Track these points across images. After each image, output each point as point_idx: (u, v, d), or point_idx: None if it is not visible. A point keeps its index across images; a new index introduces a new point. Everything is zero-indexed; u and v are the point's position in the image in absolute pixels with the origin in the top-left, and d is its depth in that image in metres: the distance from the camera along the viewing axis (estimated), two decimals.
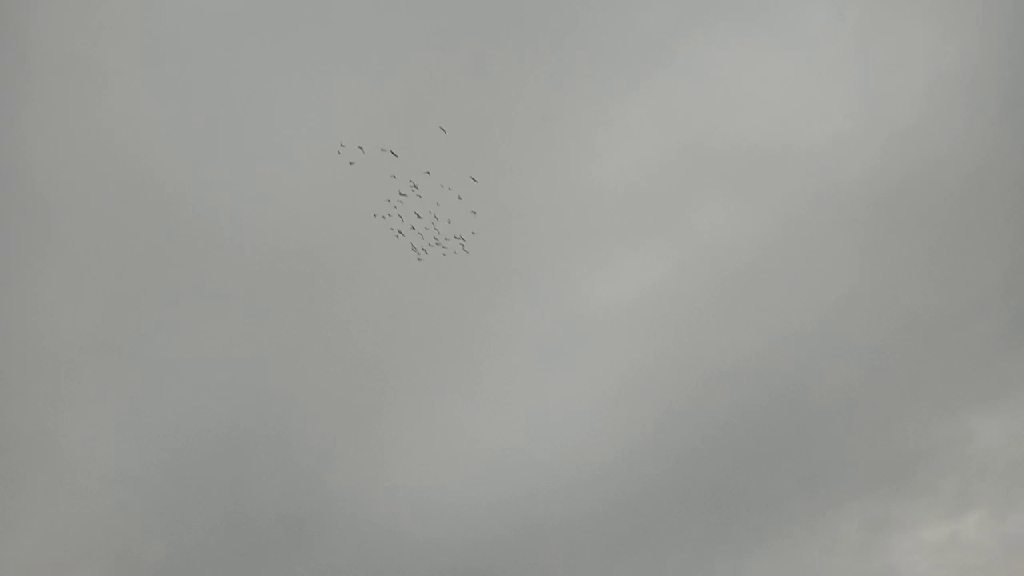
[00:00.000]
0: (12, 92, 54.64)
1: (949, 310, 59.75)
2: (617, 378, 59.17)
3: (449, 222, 48.99)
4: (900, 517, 57.66)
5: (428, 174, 47.62)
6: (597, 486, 57.80)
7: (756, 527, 56.51)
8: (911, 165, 61.10)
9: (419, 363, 57.96)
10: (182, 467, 53.92)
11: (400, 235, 47.41)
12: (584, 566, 56.64)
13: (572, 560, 56.64)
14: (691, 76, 61.65)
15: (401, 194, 46.81)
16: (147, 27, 56.14)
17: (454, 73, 58.74)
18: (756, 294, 60.27)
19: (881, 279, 59.67)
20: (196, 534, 53.18)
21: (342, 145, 47.19)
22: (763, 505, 56.74)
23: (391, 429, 56.99)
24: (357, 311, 57.18)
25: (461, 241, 49.40)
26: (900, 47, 60.39)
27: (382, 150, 46.77)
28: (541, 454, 58.58)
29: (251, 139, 56.65)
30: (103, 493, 52.50)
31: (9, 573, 49.90)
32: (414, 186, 47.12)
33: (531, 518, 57.66)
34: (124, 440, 53.63)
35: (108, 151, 54.07)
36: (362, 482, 56.18)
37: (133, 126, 55.39)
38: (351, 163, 47.38)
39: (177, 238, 55.35)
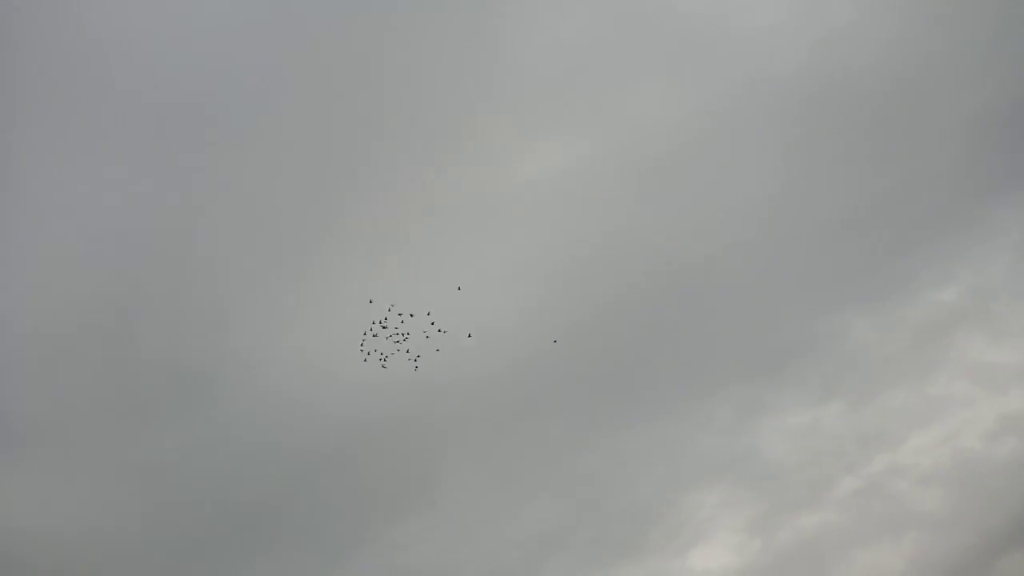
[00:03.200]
0: None
1: (850, 216, 62.18)
2: (530, 248, 60.06)
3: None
4: (770, 403, 61.93)
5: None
6: (491, 350, 59.99)
7: (637, 404, 60.37)
8: (841, 66, 61.29)
9: (338, 226, 57.44)
10: (62, 313, 51.51)
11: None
12: (473, 430, 59.77)
13: (461, 425, 59.53)
14: None
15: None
16: None
17: None
18: (674, 179, 61.04)
19: (796, 178, 61.10)
20: (78, 384, 51.75)
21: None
22: (646, 384, 60.38)
23: (297, 288, 57.01)
24: (273, 167, 55.60)
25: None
26: None
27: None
28: (443, 319, 60.02)
29: None
30: None
31: None
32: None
33: (423, 382, 59.83)
34: None
35: None
36: (261, 341, 55.98)
37: None
38: None
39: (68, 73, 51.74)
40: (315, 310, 56.65)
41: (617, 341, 59.99)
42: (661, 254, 59.84)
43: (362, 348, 49.70)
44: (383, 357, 50.20)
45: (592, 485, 60.03)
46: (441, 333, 50.70)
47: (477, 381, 60.11)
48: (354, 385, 58.42)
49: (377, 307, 50.78)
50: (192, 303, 53.39)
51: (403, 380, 58.17)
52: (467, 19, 57.54)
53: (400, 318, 50.12)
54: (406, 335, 50.30)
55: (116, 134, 53.93)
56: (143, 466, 51.74)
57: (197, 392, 52.87)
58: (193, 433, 52.12)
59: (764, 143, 59.61)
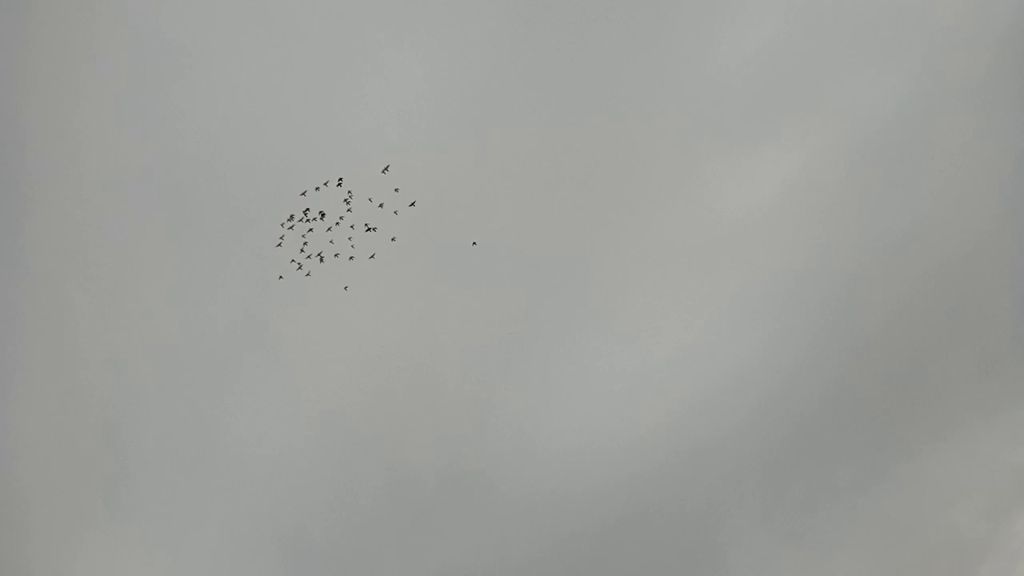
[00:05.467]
0: None
1: None
2: (764, 287, 54.64)
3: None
4: None
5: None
6: (754, 401, 54.15)
7: (931, 423, 53.37)
8: None
9: (555, 302, 53.35)
10: (341, 440, 52.82)
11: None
12: (751, 486, 53.59)
13: (738, 482, 53.52)
14: None
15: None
16: None
17: None
18: (904, 169, 54.92)
19: None
20: (362, 504, 52.30)
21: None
22: (936, 398, 53.36)
23: (537, 377, 52.94)
24: (485, 258, 52.03)
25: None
26: None
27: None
28: (690, 377, 54.62)
29: None
30: (272, 478, 51.75)
31: (193, 569, 49.81)
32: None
33: (689, 443, 54.32)
34: (283, 422, 52.71)
35: None
36: (516, 434, 52.86)
37: None
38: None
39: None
40: (562, 387, 52.66)
41: (893, 360, 53.42)
42: (913, 254, 53.37)
43: (280, 243, 43.54)
44: (310, 255, 43.82)
45: (896, 526, 52.60)
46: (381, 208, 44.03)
47: (749, 435, 54.37)
48: (617, 454, 53.75)
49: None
50: (448, 406, 50.74)
51: (664, 443, 53.08)
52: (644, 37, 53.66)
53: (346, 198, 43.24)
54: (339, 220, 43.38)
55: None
56: None
57: (473, 494, 51.98)
58: (478, 534, 51.50)
59: (991, 97, 53.11)
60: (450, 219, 53.54)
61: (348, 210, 44.33)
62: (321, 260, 44.51)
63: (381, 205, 44.45)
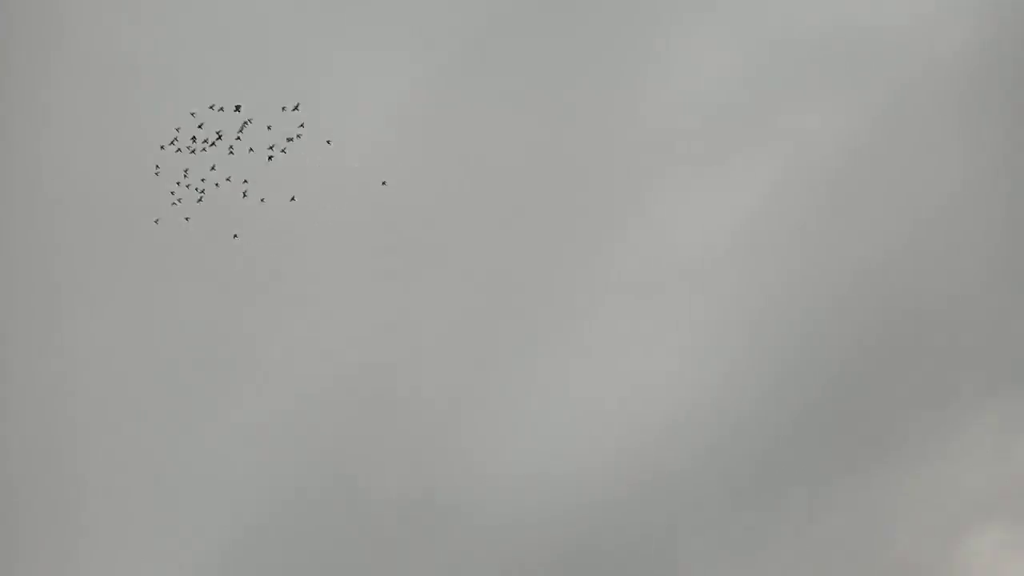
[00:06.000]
0: None
1: None
2: (726, 314, 54.99)
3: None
4: None
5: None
6: (716, 429, 54.60)
7: (885, 448, 54.19)
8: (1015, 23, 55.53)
9: (515, 326, 52.96)
10: (296, 463, 51.69)
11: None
12: (711, 512, 53.99)
13: (697, 508, 53.90)
14: None
15: None
16: None
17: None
18: (861, 199, 55.71)
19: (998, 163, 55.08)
20: (320, 530, 51.48)
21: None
22: (891, 422, 54.20)
23: (497, 402, 52.50)
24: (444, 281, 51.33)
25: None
26: None
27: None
28: (651, 405, 54.90)
29: None
30: (220, 500, 50.21)
31: None
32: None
33: (650, 470, 54.71)
34: (231, 441, 50.93)
35: None
36: (475, 460, 52.49)
37: None
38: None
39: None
40: (523, 412, 52.39)
41: (844, 389, 54.17)
42: (885, 275, 54.10)
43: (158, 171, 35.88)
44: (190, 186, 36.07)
45: (843, 549, 53.39)
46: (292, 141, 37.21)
47: (704, 467, 54.65)
48: (578, 481, 53.65)
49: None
50: (408, 430, 50.32)
51: (624, 470, 53.18)
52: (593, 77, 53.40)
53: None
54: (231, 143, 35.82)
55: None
56: None
57: (433, 520, 51.37)
58: (438, 562, 50.87)
59: (943, 128, 54.03)
60: (407, 233, 52.99)
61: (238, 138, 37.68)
62: (201, 197, 37.66)
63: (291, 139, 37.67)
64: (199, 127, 36.04)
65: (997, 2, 52.52)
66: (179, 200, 37.11)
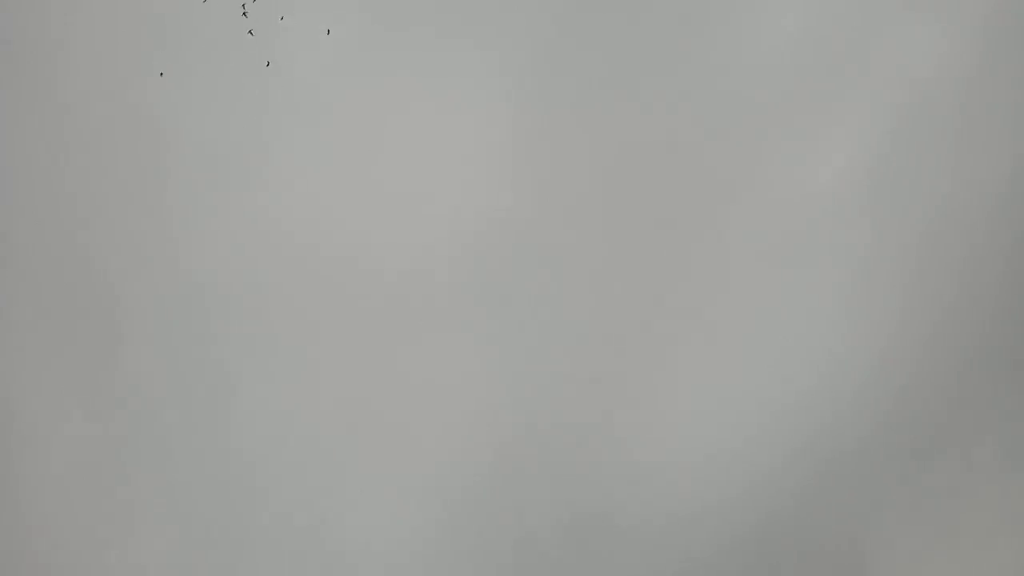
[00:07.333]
0: None
1: None
2: (857, 268, 51.17)
3: None
4: None
5: None
6: (883, 388, 50.51)
7: None
8: None
9: (644, 321, 51.30)
10: (452, 508, 50.51)
11: None
12: (891, 484, 50.10)
13: (875, 479, 50.13)
14: None
15: None
16: None
17: None
18: (983, 120, 50.70)
19: None
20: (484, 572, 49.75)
21: None
22: None
23: (642, 398, 50.91)
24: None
25: None
26: None
27: None
28: (802, 371, 51.46)
29: None
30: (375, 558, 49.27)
31: None
32: None
33: (801, 441, 51.24)
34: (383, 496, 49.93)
35: None
36: (626, 462, 50.88)
37: None
38: None
39: None
40: (668, 404, 50.64)
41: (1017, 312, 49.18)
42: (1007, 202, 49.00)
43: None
44: None
45: None
46: None
47: (875, 424, 50.80)
48: (731, 464, 51.05)
49: None
50: (557, 447, 49.73)
51: (779, 446, 50.20)
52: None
53: None
54: None
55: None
56: None
57: (593, 536, 49.62)
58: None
59: None
60: (521, 251, 52.32)
61: None
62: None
63: None
64: None
65: None
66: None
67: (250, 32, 38.15)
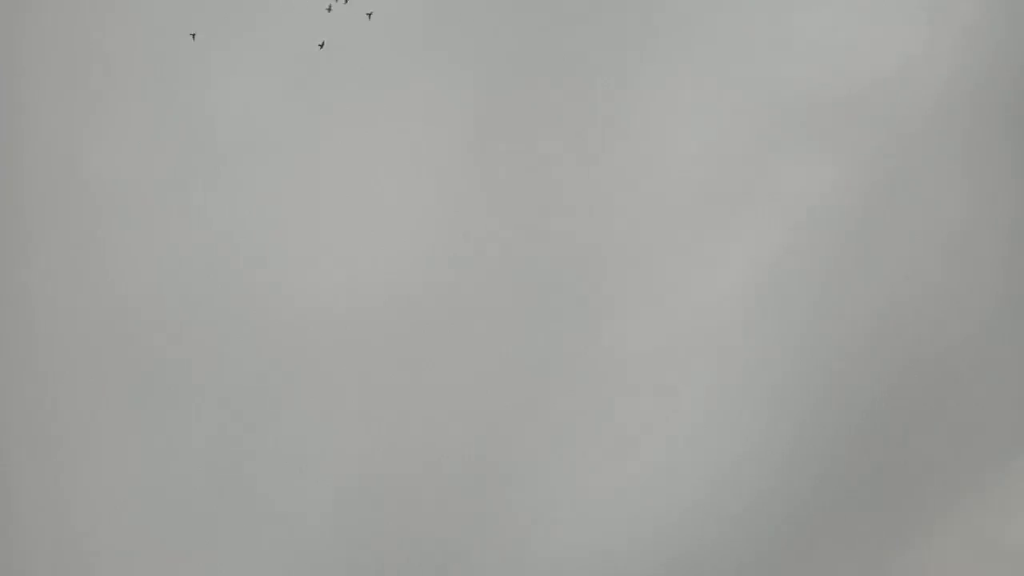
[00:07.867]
0: None
1: None
2: (744, 377, 53.42)
3: None
4: None
5: None
6: (743, 499, 52.96)
7: (924, 508, 52.14)
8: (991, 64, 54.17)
9: (533, 418, 52.05)
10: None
11: None
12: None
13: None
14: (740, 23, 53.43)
15: None
16: None
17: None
18: (865, 255, 54.04)
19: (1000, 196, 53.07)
20: None
21: None
22: (927, 476, 51.90)
23: (528, 491, 51.51)
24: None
25: None
26: None
27: None
28: (675, 483, 53.48)
29: None
30: None
31: None
32: None
33: (677, 550, 52.91)
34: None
35: None
36: (509, 551, 51.18)
37: None
38: None
39: None
40: (552, 501, 51.10)
41: (881, 437, 52.60)
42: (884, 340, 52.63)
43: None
44: None
45: None
46: None
47: (731, 534, 52.96)
48: (604, 567, 52.27)
49: None
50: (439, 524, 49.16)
51: (651, 553, 51.50)
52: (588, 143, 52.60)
53: None
54: None
55: None
56: None
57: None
58: None
59: (952, 173, 52.69)
60: (432, 325, 51.73)
61: None
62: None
63: None
64: None
65: (983, 37, 51.41)
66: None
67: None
